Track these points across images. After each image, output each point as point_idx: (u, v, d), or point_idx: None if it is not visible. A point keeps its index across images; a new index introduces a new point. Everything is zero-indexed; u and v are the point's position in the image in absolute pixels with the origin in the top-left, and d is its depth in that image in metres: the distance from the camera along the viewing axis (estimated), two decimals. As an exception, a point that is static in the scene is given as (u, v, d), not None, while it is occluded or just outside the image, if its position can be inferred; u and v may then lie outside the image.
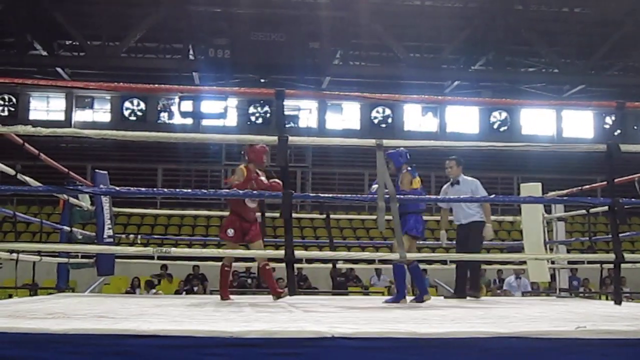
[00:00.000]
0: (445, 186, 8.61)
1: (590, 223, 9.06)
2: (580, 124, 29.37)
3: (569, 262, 11.03)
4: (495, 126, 29.05)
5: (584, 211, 9.16)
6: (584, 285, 16.56)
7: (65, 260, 8.96)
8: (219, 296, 7.71)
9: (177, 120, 26.41)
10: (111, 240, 9.10)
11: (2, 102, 27.38)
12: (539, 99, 26.14)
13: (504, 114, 29.15)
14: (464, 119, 29.00)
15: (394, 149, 7.15)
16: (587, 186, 9.24)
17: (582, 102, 24.37)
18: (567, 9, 23.67)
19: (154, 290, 14.82)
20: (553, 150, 6.78)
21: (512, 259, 6.62)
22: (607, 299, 11.86)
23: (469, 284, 8.53)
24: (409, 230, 7.25)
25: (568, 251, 11.25)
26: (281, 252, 5.24)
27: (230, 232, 7.47)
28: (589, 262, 11.87)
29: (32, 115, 27.34)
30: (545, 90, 26.32)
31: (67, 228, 8.80)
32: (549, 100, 26.53)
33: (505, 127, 29.05)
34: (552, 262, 9.97)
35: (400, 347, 3.34)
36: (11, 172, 6.64)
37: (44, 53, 24.43)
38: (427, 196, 6.71)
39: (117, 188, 6.11)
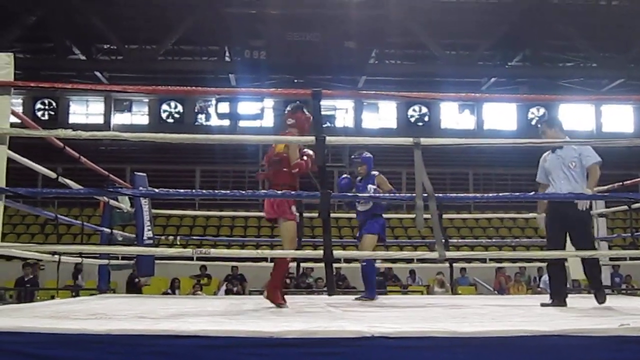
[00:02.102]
0: (545, 154, 6.84)
1: (632, 219, 8.91)
2: (620, 119, 28.96)
3: (611, 259, 10.88)
4: (534, 122, 28.77)
5: (625, 207, 9.03)
6: (627, 281, 16.33)
7: (106, 261, 9.05)
8: (260, 296, 7.67)
9: (214, 121, 26.57)
10: (151, 241, 9.16)
11: (42, 107, 27.81)
12: (578, 94, 25.81)
13: (542, 110, 28.87)
14: (501, 115, 28.80)
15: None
16: (629, 181, 9.10)
17: (621, 97, 23.98)
18: (604, 1, 23.36)
19: (199, 292, 14.88)
20: (593, 146, 6.65)
21: (553, 256, 6.52)
22: (650, 295, 11.70)
23: (591, 285, 6.70)
24: (380, 232, 7.46)
25: (610, 247, 11.10)
26: (320, 252, 5.24)
27: (294, 208, 6.19)
28: (631, 259, 11.70)
29: (72, 119, 27.71)
30: (584, 85, 25.99)
31: (107, 230, 8.88)
32: (588, 95, 26.19)
33: (544, 123, 28.73)
34: (594, 259, 9.85)
35: (440, 346, 3.33)
36: (53, 175, 6.73)
37: (83, 57, 24.77)
38: (468, 194, 6.61)
39: (156, 190, 6.15)
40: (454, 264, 10.81)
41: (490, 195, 6.35)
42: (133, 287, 14.15)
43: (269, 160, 6.25)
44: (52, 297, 10.65)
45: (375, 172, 7.64)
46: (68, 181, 7.03)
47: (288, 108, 6.58)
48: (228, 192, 5.83)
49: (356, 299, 7.57)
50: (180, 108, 28.27)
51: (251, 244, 14.66)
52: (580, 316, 4.77)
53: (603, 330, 3.44)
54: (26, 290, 13.58)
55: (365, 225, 7.53)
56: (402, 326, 3.67)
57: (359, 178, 7.69)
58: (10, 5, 22.28)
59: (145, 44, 24.34)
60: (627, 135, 27.75)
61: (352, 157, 7.80)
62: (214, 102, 23.81)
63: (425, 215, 5.32)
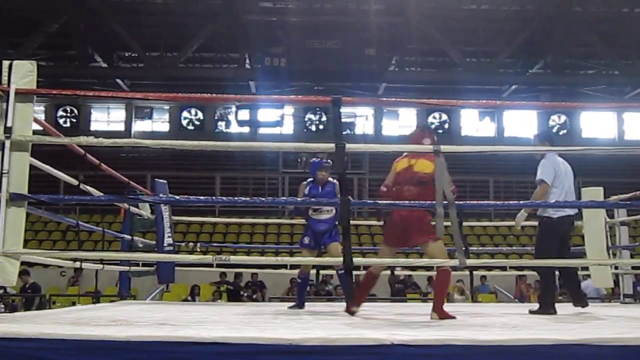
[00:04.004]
0: None
1: (655, 227, 8.84)
2: (642, 126, 28.74)
3: (633, 267, 10.80)
4: (555, 130, 28.61)
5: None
6: (650, 290, 16.15)
7: (126, 268, 9.08)
8: (278, 303, 7.66)
9: (235, 129, 26.64)
10: (171, 248, 9.19)
11: (64, 114, 28.01)
12: (599, 102, 25.64)
13: (564, 118, 28.71)
14: (522, 123, 28.64)
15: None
16: (651, 189, 9.02)
17: (644, 104, 23.88)
18: (627, 9, 23.22)
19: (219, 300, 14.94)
20: (615, 153, 6.52)
21: (574, 264, 6.50)
22: (673, 305, 11.57)
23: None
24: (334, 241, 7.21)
25: (632, 256, 11.01)
26: (339, 259, 5.23)
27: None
28: (653, 267, 11.60)
29: (93, 126, 27.89)
30: (606, 92, 25.81)
31: (128, 236, 8.92)
32: (610, 102, 26.01)
33: (565, 131, 28.57)
34: (616, 268, 9.78)
35: (460, 354, 3.31)
36: (74, 182, 6.77)
37: (104, 65, 24.95)
38: (489, 202, 6.56)
39: (177, 197, 6.18)
40: (474, 272, 10.79)
41: (511, 202, 6.32)
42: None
43: (410, 179, 5.71)
44: (74, 304, 10.72)
45: (332, 180, 7.33)
46: (89, 188, 7.07)
47: (417, 127, 6.42)
48: (248, 199, 5.84)
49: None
50: (200, 115, 28.38)
51: (270, 251, 14.68)
52: (602, 325, 4.73)
53: (625, 340, 3.41)
54: (33, 296, 13.65)
55: (330, 234, 7.21)
56: (422, 334, 3.66)
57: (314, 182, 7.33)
58: (33, 13, 22.51)
59: (166, 52, 24.48)
60: (649, 142, 27.49)
61: (323, 160, 7.34)
62: (234, 109, 23.86)
63: (446, 223, 5.31)
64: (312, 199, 7.00)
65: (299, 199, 7.14)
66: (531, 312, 6.72)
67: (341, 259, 6.25)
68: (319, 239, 7.26)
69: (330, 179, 7.32)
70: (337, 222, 7.15)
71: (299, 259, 7.15)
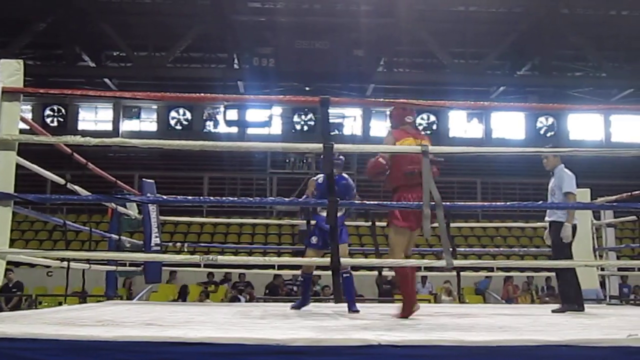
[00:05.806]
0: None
1: (641, 229, 8.87)
2: (629, 128, 28.84)
3: (619, 269, 10.85)
4: (542, 132, 28.72)
5: (634, 217, 8.99)
6: (635, 292, 16.23)
7: (113, 268, 9.06)
8: (264, 304, 7.61)
9: (223, 129, 26.59)
10: (158, 248, 9.17)
11: (51, 113, 27.89)
12: (587, 104, 25.74)
13: (551, 119, 28.82)
14: (509, 124, 28.75)
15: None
16: (638, 192, 9.07)
17: (631, 106, 23.89)
18: (614, 12, 23.32)
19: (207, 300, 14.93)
20: (601, 155, 6.54)
21: (561, 265, 6.53)
22: (659, 306, 11.63)
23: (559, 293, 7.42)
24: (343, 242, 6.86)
25: (618, 258, 11.06)
26: (327, 260, 5.23)
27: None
28: (639, 269, 11.65)
29: (81, 126, 27.78)
30: (593, 94, 25.92)
31: (115, 236, 8.89)
32: (597, 104, 26.11)
33: (552, 133, 28.69)
34: (602, 269, 9.82)
35: (447, 356, 3.32)
36: (61, 181, 6.74)
37: (92, 64, 24.89)
38: (476, 203, 6.57)
39: (164, 196, 6.16)
40: (462, 273, 10.81)
41: (498, 204, 6.35)
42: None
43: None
44: (60, 304, 10.67)
45: (344, 174, 7.26)
46: (76, 188, 7.03)
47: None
48: (236, 199, 5.83)
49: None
50: (188, 115, 28.32)
51: (258, 251, 14.67)
52: (589, 326, 4.75)
53: (611, 341, 3.42)
54: (16, 295, 13.56)
55: (339, 234, 6.43)
56: (409, 335, 3.67)
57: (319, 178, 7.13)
58: (21, 12, 22.42)
59: (155, 51, 24.43)
60: (636, 145, 27.54)
61: (340, 157, 7.17)
62: (222, 109, 23.82)
63: (433, 224, 5.31)
64: (300, 199, 6.96)
65: (308, 195, 7.11)
66: (554, 311, 6.74)
67: (350, 260, 6.28)
68: (327, 238, 6.76)
69: (344, 174, 7.20)
70: (344, 221, 7.09)
71: (303, 259, 7.09)
